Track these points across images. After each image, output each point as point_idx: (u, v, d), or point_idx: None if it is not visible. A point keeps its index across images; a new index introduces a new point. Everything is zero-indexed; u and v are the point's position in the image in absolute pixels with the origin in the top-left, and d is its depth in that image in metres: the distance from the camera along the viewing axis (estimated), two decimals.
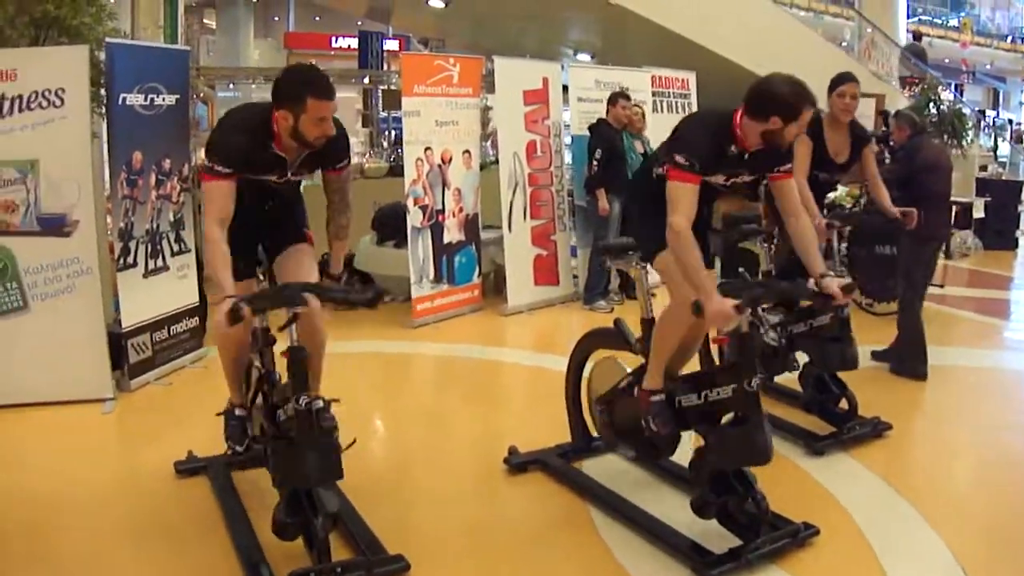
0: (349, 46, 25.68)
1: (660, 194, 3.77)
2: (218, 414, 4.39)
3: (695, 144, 3.72)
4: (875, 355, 6.58)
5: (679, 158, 3.67)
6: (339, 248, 4.19)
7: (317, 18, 30.27)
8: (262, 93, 18.91)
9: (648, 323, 4.26)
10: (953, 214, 11.89)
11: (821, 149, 5.38)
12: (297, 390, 3.52)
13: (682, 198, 3.66)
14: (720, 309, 3.51)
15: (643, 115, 8.98)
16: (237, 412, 4.28)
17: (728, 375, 3.80)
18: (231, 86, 18.37)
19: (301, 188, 4.32)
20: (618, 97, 8.61)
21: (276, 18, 31.32)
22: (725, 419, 3.82)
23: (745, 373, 3.69)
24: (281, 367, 3.72)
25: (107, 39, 6.07)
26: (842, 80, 5.45)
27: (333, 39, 27.76)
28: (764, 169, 3.90)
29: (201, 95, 11.38)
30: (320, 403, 3.52)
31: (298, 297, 3.58)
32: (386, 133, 17.80)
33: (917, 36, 17.54)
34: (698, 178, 3.68)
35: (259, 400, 3.99)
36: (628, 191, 4.65)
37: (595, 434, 4.76)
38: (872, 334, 6.67)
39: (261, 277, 4.25)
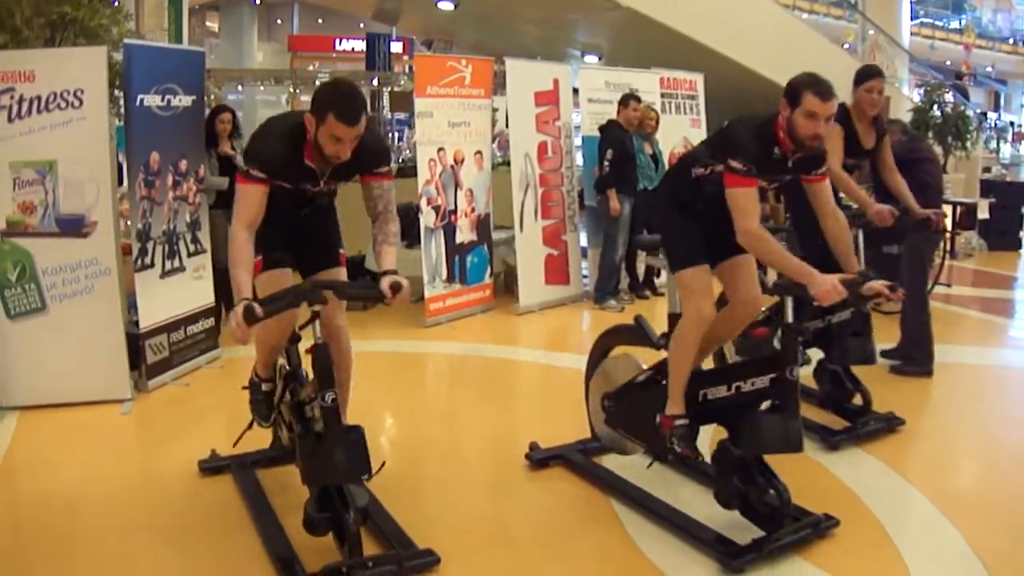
0: (353, 48, 25.82)
1: (694, 198, 3.90)
2: (244, 387, 4.42)
3: (748, 148, 3.74)
4: (884, 353, 6.62)
5: (736, 163, 3.71)
6: (389, 253, 3.83)
7: (320, 20, 30.32)
8: (268, 96, 19.02)
9: (674, 317, 4.24)
10: (958, 215, 12.02)
11: (851, 136, 5.50)
12: (323, 387, 3.55)
13: (747, 202, 3.72)
14: (829, 288, 3.56)
15: (657, 118, 9.10)
16: (264, 387, 4.28)
17: (770, 364, 3.85)
18: (239, 88, 18.43)
19: (335, 200, 4.24)
20: (629, 99, 8.69)
21: (280, 21, 31.36)
22: (763, 406, 3.87)
23: (788, 362, 3.75)
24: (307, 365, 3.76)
25: (125, 40, 6.11)
26: (870, 75, 5.56)
27: (337, 41, 27.80)
28: (802, 172, 3.97)
29: (213, 97, 11.42)
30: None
31: (314, 294, 3.57)
32: (393, 135, 17.88)
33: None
34: (756, 181, 3.74)
35: (287, 397, 3.99)
36: (655, 198, 4.67)
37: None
38: (881, 333, 6.69)
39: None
